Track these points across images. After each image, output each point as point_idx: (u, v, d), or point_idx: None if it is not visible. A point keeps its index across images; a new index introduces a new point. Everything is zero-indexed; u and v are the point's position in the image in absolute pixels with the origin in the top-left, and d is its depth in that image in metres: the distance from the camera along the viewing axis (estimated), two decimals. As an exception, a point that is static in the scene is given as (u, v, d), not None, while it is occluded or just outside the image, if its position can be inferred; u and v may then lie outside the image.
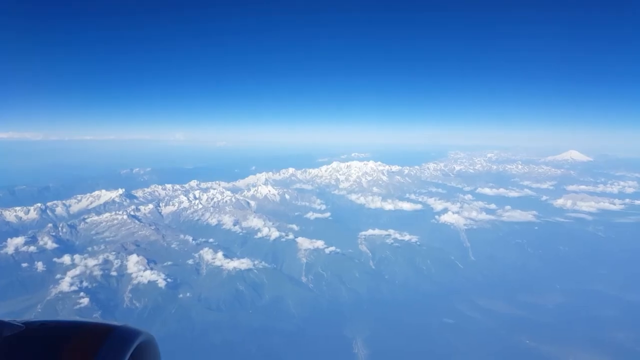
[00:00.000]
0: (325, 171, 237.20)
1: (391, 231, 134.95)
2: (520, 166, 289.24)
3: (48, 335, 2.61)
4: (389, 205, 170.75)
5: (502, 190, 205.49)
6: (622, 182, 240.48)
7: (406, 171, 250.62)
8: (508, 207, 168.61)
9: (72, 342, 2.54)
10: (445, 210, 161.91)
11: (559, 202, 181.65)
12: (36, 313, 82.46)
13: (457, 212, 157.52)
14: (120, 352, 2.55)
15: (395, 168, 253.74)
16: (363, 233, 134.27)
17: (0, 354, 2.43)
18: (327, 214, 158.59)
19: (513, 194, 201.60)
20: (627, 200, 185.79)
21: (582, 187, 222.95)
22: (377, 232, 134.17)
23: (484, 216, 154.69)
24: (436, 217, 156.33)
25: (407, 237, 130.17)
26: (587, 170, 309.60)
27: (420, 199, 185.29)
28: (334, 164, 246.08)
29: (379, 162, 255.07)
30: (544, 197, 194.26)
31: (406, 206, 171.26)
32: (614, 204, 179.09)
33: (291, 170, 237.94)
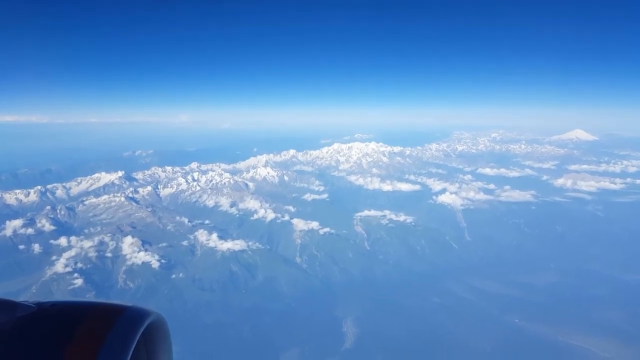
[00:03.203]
0: (327, 152, 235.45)
1: (387, 212, 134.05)
2: (523, 146, 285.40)
3: (61, 316, 2.62)
4: (387, 187, 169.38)
5: (502, 171, 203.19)
6: (626, 161, 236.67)
7: (407, 152, 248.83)
8: (507, 187, 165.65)
9: (85, 321, 2.55)
10: (443, 191, 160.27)
11: (560, 181, 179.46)
12: (31, 294, 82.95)
13: (455, 193, 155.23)
14: (132, 332, 2.57)
15: (397, 149, 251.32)
16: (359, 214, 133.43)
17: (14, 334, 2.45)
18: (325, 196, 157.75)
19: (514, 174, 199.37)
20: (628, 180, 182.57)
21: (585, 166, 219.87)
22: (373, 213, 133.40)
23: (482, 196, 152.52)
24: (434, 197, 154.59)
25: (402, 218, 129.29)
26: (591, 150, 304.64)
27: (419, 180, 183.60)
28: (335, 145, 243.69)
29: (381, 143, 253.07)
30: (545, 177, 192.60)
31: (404, 187, 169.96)
32: (615, 184, 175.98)
33: (292, 152, 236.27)
